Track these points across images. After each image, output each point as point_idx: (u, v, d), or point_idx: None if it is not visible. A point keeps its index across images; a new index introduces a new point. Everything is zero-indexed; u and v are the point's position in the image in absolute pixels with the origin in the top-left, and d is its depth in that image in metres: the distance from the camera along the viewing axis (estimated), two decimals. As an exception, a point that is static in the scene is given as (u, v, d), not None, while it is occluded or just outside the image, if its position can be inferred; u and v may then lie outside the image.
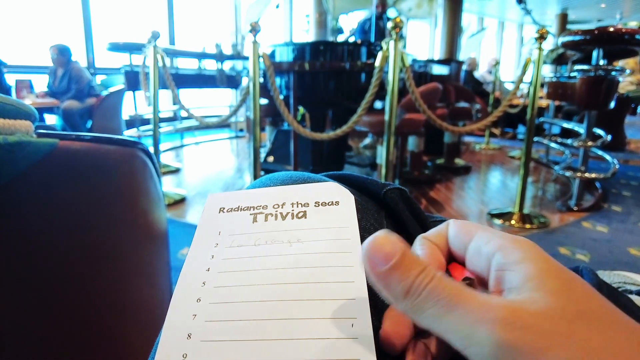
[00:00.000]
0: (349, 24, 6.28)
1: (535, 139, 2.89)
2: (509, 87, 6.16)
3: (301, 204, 0.30)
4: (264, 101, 3.19)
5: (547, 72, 6.69)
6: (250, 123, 3.36)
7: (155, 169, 0.71)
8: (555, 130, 4.29)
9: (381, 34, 4.24)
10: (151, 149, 1.10)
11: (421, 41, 9.96)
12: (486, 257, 0.21)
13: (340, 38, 5.97)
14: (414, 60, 3.38)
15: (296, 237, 0.27)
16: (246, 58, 3.65)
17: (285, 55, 2.97)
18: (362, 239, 0.28)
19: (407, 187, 2.87)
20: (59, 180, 0.54)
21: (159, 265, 0.79)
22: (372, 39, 4.25)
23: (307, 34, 6.50)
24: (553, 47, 4.47)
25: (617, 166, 2.64)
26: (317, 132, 2.30)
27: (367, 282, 0.24)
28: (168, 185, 3.05)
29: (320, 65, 2.70)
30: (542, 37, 2.06)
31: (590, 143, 2.49)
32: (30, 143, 0.49)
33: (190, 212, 2.49)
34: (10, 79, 3.90)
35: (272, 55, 2.99)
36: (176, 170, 3.55)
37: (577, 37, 2.21)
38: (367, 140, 4.59)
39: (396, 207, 0.32)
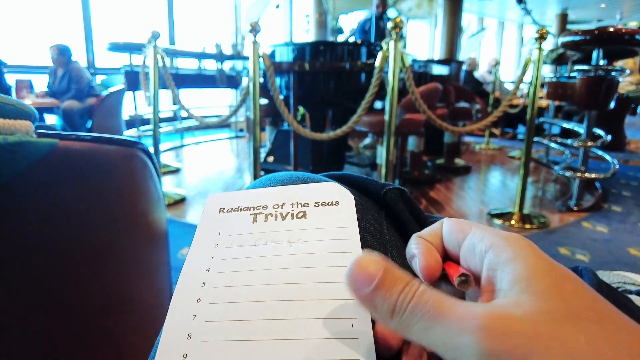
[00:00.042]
0: (349, 24, 6.28)
1: (535, 139, 2.89)
2: (509, 87, 6.16)
3: (301, 204, 0.30)
4: (264, 101, 3.19)
5: (547, 72, 6.69)
6: (250, 123, 3.36)
7: (155, 169, 0.71)
8: (555, 130, 4.29)
9: (381, 34, 4.24)
10: (151, 149, 1.10)
11: (421, 41, 9.96)
12: (479, 255, 0.21)
13: (340, 38, 5.97)
14: (414, 61, 3.38)
15: (296, 237, 0.27)
16: (246, 58, 3.64)
17: (285, 55, 2.97)
18: (362, 239, 0.28)
19: (407, 187, 2.88)
20: (59, 180, 0.54)
21: (159, 265, 0.79)
22: (372, 39, 4.25)
23: (307, 34, 6.50)
24: (553, 47, 4.47)
25: (617, 166, 2.64)
26: (317, 132, 2.30)
27: None
28: (168, 185, 3.05)
29: (320, 66, 2.70)
30: (542, 37, 2.06)
31: (590, 143, 2.49)
32: (30, 143, 0.49)
33: (190, 212, 2.49)
34: (10, 79, 3.90)
35: (272, 55, 2.99)
36: (176, 170, 3.55)
37: (577, 37, 2.21)
38: (367, 140, 4.60)
39: (396, 207, 0.32)
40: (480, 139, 5.40)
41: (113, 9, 5.73)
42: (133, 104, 4.02)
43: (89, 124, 3.95)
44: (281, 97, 2.25)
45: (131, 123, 4.37)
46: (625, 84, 4.66)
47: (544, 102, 4.64)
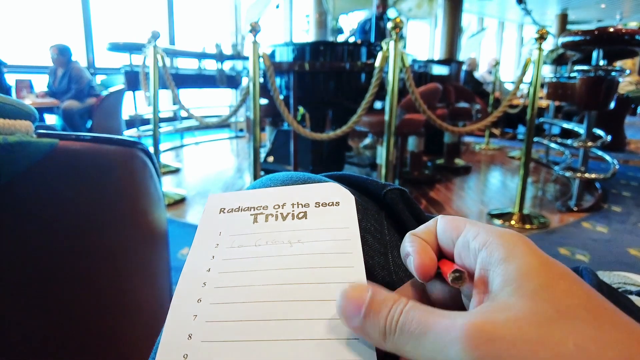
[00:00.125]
0: (349, 24, 6.28)
1: (535, 139, 2.89)
2: (509, 87, 6.16)
3: (301, 204, 0.30)
4: (264, 101, 3.19)
5: (547, 72, 6.69)
6: (250, 123, 3.36)
7: (155, 169, 0.71)
8: (555, 130, 4.29)
9: (381, 34, 4.24)
10: (151, 149, 1.10)
11: (421, 41, 9.96)
12: (473, 252, 0.21)
13: (341, 38, 5.97)
14: (414, 61, 3.38)
15: (297, 237, 0.27)
16: (246, 58, 3.64)
17: (285, 56, 2.97)
18: (363, 239, 0.28)
19: (407, 187, 2.88)
20: (59, 180, 0.54)
21: (159, 265, 0.79)
22: (373, 39, 4.26)
23: (307, 34, 6.50)
24: (553, 47, 4.47)
25: (617, 166, 2.64)
26: (317, 132, 2.30)
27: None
28: (168, 185, 3.05)
29: (320, 66, 2.70)
30: (542, 38, 2.06)
31: (590, 143, 2.49)
32: (30, 143, 0.49)
33: (190, 212, 2.49)
34: (10, 79, 3.90)
35: (272, 55, 2.99)
36: (176, 170, 3.55)
37: (577, 38, 2.21)
38: (367, 141, 4.59)
39: (396, 207, 0.32)
40: (480, 139, 5.40)
41: (113, 9, 5.73)
42: (133, 104, 4.02)
43: (89, 124, 3.95)
44: (281, 97, 2.25)
45: (131, 123, 4.37)
46: (625, 84, 4.66)
47: (543, 103, 4.64)
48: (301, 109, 2.81)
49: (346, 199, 0.30)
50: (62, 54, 3.85)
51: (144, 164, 0.66)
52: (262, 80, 2.30)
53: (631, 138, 5.34)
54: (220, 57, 4.89)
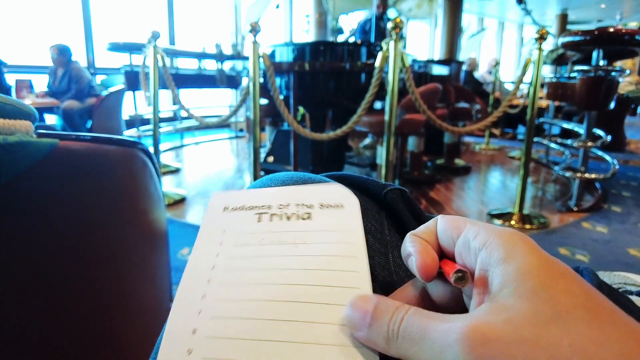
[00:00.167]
0: (349, 24, 6.28)
1: (535, 139, 2.89)
2: (509, 87, 6.16)
3: (306, 205, 0.30)
4: (264, 101, 3.19)
5: (547, 72, 6.69)
6: (250, 123, 3.36)
7: (155, 169, 0.71)
8: (555, 130, 4.29)
9: (382, 34, 4.24)
10: (151, 149, 1.10)
11: (421, 41, 9.96)
12: (474, 252, 0.21)
13: (341, 38, 5.97)
14: (414, 61, 3.38)
15: (301, 238, 0.27)
16: (246, 58, 3.64)
17: (285, 56, 2.97)
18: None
19: (407, 187, 2.87)
20: (59, 180, 0.54)
21: (159, 265, 0.79)
22: (373, 39, 4.26)
23: (307, 34, 6.50)
24: (553, 47, 4.47)
25: (617, 167, 2.64)
26: (317, 132, 2.30)
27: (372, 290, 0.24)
28: (168, 185, 3.05)
29: (320, 66, 2.70)
30: (542, 38, 2.06)
31: (590, 143, 2.49)
32: (30, 143, 0.49)
33: (190, 212, 2.49)
34: (10, 79, 3.90)
35: (272, 55, 2.99)
36: (176, 170, 3.55)
37: (577, 38, 2.21)
38: (367, 141, 4.59)
39: (397, 207, 0.32)
40: (480, 139, 5.40)
41: (113, 9, 5.73)
42: (133, 104, 4.02)
43: (89, 124, 3.95)
44: (281, 97, 2.25)
45: (131, 123, 4.37)
46: (625, 85, 4.66)
47: (543, 103, 4.64)
48: (301, 109, 2.81)
49: (351, 202, 0.30)
50: (62, 54, 3.85)
51: (144, 164, 0.66)
52: (262, 80, 2.30)
53: (631, 138, 5.34)
54: (220, 57, 4.89)
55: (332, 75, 2.75)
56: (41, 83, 4.15)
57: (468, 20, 9.20)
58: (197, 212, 2.50)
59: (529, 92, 2.22)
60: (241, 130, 5.91)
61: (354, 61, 2.86)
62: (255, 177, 2.32)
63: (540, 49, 2.08)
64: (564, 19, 9.68)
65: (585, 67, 2.29)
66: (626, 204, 2.74)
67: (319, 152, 3.02)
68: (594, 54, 2.29)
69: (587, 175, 2.54)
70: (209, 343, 0.22)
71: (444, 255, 0.24)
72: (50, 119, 4.06)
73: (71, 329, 0.60)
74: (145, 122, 4.20)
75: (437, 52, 7.31)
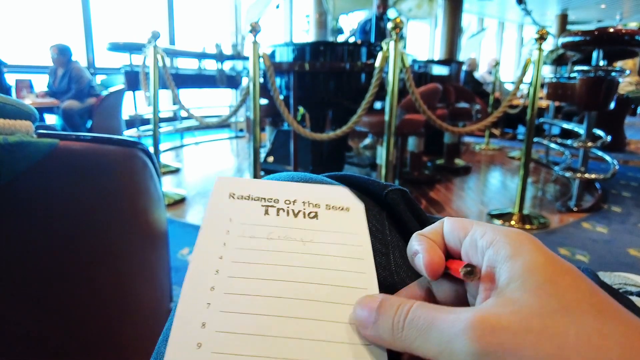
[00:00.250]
0: (349, 25, 6.28)
1: (535, 139, 2.89)
2: (509, 87, 6.16)
3: (312, 204, 0.30)
4: (264, 101, 3.19)
5: (547, 72, 6.69)
6: (250, 123, 3.36)
7: (155, 169, 0.71)
8: (555, 130, 4.29)
9: (382, 34, 4.24)
10: (151, 149, 1.10)
11: (421, 41, 9.96)
12: (481, 251, 0.21)
13: (341, 38, 5.97)
14: (414, 61, 3.38)
15: (309, 237, 0.27)
16: (246, 58, 3.64)
17: (285, 56, 2.97)
18: None
19: (407, 187, 2.87)
20: (59, 180, 0.54)
21: (159, 265, 0.79)
22: (373, 40, 4.25)
23: (307, 34, 6.50)
24: (553, 47, 4.47)
25: (617, 167, 2.64)
26: (317, 132, 2.30)
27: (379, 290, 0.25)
28: (168, 185, 3.05)
29: (320, 66, 2.70)
30: (542, 38, 2.06)
31: (590, 144, 2.49)
32: (30, 143, 0.49)
33: (190, 212, 2.49)
34: (10, 79, 3.90)
35: (272, 55, 2.99)
36: (176, 170, 3.55)
37: (577, 38, 2.21)
38: (367, 141, 4.59)
39: (397, 207, 0.32)
40: (480, 140, 5.40)
41: (113, 9, 5.73)
42: (133, 104, 4.02)
43: (89, 124, 3.95)
44: (281, 97, 2.25)
45: (131, 123, 4.37)
46: (625, 85, 4.66)
47: (543, 103, 4.64)
48: (301, 109, 2.81)
49: (357, 206, 0.30)
50: (62, 53, 3.85)
51: (144, 164, 0.66)
52: (262, 80, 2.30)
53: (631, 138, 5.34)
54: (220, 57, 4.89)
55: (332, 76, 2.75)
56: (41, 83, 4.15)
57: (468, 20, 9.20)
58: (197, 212, 2.50)
59: (529, 92, 2.22)
60: (241, 130, 5.91)
61: (354, 61, 2.86)
62: (255, 177, 2.32)
63: (540, 49, 2.08)
64: (564, 19, 9.68)
65: (585, 68, 2.29)
66: (626, 204, 2.74)
67: (319, 152, 3.02)
68: (594, 54, 2.29)
69: (587, 175, 2.54)
70: (219, 337, 0.22)
71: (450, 256, 0.24)
72: (50, 119, 4.06)
73: (71, 328, 0.60)
74: (145, 122, 4.20)
75: (437, 52, 7.32)
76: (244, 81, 4.15)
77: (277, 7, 6.97)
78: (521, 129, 5.98)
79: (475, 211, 2.60)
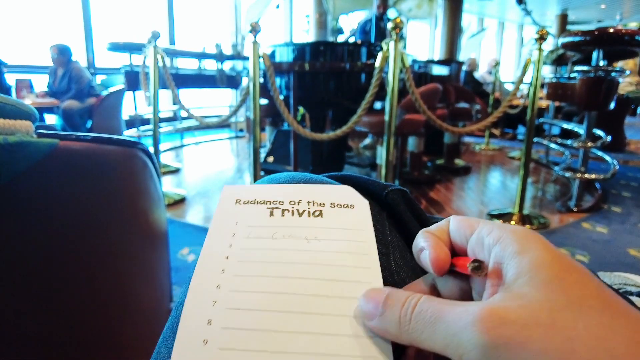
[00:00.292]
0: (349, 25, 6.28)
1: (535, 139, 2.89)
2: (509, 87, 6.16)
3: (317, 203, 0.31)
4: (264, 101, 3.19)
5: (547, 72, 6.69)
6: (250, 123, 3.36)
7: (155, 169, 0.71)
8: (555, 131, 4.29)
9: (382, 34, 4.24)
10: (151, 149, 1.10)
11: (421, 42, 9.96)
12: (487, 248, 0.21)
13: (341, 38, 5.97)
14: (414, 61, 3.38)
15: (313, 234, 0.28)
16: (246, 58, 3.64)
17: (285, 56, 2.97)
18: None
19: (407, 187, 2.87)
20: (59, 180, 0.54)
21: (159, 265, 0.79)
22: (373, 40, 4.25)
23: (307, 34, 6.50)
24: (553, 47, 4.47)
25: (617, 167, 2.64)
26: (317, 132, 2.30)
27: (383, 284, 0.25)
28: (168, 185, 3.05)
29: (320, 66, 2.70)
30: (542, 38, 2.06)
31: (590, 144, 2.49)
32: (30, 143, 0.49)
33: (190, 212, 2.49)
34: (10, 79, 3.90)
35: (272, 55, 2.99)
36: (176, 170, 3.55)
37: (577, 38, 2.21)
38: (367, 141, 4.59)
39: (398, 208, 0.32)
40: (480, 140, 5.40)
41: (113, 9, 5.73)
42: (133, 104, 4.02)
43: (89, 124, 3.95)
44: (281, 97, 2.25)
45: (131, 123, 4.37)
46: (625, 85, 4.66)
47: (543, 103, 4.64)
48: (301, 109, 2.81)
49: (361, 203, 0.31)
50: (62, 53, 3.85)
51: (144, 164, 0.66)
52: (262, 80, 2.30)
53: (631, 138, 5.34)
54: (220, 57, 4.89)
55: (332, 76, 2.75)
56: (41, 83, 4.15)
57: (468, 20, 9.20)
58: (197, 212, 2.50)
59: (529, 92, 2.22)
60: (241, 130, 5.91)
61: (354, 61, 2.86)
62: (255, 177, 2.32)
63: (540, 49, 2.08)
64: (564, 19, 9.68)
65: (585, 68, 2.29)
66: (626, 204, 2.74)
67: (319, 152, 3.02)
68: (594, 55, 2.29)
69: (587, 175, 2.54)
70: (225, 334, 0.22)
71: (456, 253, 0.24)
72: (50, 119, 4.06)
73: (71, 328, 0.60)
74: (145, 122, 4.20)
75: (437, 52, 7.32)
76: (244, 81, 4.15)
77: (277, 7, 6.96)
78: (521, 129, 5.98)
79: (475, 211, 2.60)
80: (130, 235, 0.68)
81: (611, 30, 2.14)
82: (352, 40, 5.22)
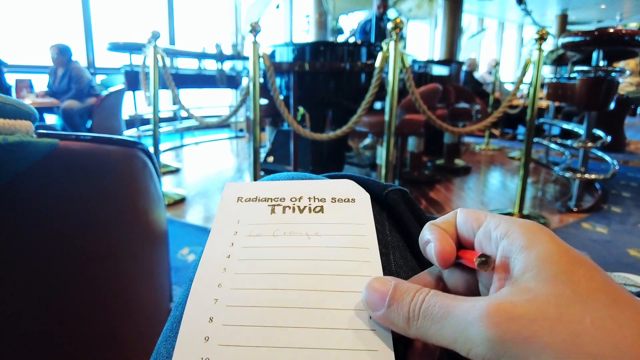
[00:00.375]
0: (349, 25, 6.28)
1: (535, 139, 2.89)
2: (509, 87, 6.16)
3: (318, 198, 0.31)
4: (264, 101, 3.19)
5: (547, 73, 6.69)
6: (250, 123, 3.36)
7: (155, 169, 0.71)
8: (555, 131, 4.29)
9: (382, 34, 4.24)
10: (151, 149, 1.10)
11: (421, 42, 9.96)
12: (495, 242, 0.21)
13: (341, 38, 5.97)
14: (414, 61, 3.38)
15: (314, 230, 0.28)
16: (246, 58, 3.64)
17: (285, 56, 2.97)
18: None
19: (407, 187, 2.87)
20: (59, 180, 0.54)
21: (159, 265, 0.79)
22: (373, 40, 4.25)
23: (307, 35, 6.50)
24: (553, 48, 4.47)
25: (617, 167, 2.64)
26: (317, 132, 2.30)
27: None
28: (168, 185, 3.05)
29: (320, 66, 2.70)
30: (542, 38, 2.06)
31: (590, 144, 2.49)
32: (30, 143, 0.49)
33: (190, 212, 2.49)
34: (10, 79, 3.89)
35: (272, 55, 2.99)
36: (176, 170, 3.55)
37: (577, 38, 2.21)
38: (367, 141, 4.59)
39: (397, 208, 0.32)
40: (480, 140, 5.40)
41: (113, 9, 5.73)
42: (133, 104, 4.02)
43: (89, 124, 3.95)
44: (281, 97, 2.25)
45: (131, 123, 4.37)
46: (625, 85, 4.66)
47: (543, 103, 4.64)
48: (301, 109, 2.81)
49: (362, 196, 0.31)
50: (62, 53, 3.85)
51: (144, 164, 0.66)
52: (262, 80, 2.30)
53: (631, 139, 5.34)
54: (220, 57, 4.88)
55: (332, 76, 2.75)
56: (41, 83, 4.15)
57: (468, 20, 9.20)
58: (197, 212, 2.50)
59: (529, 92, 2.22)
60: (241, 130, 5.91)
61: (354, 61, 2.86)
62: (255, 177, 2.32)
63: (540, 50, 2.08)
64: (564, 20, 9.68)
65: (585, 68, 2.29)
66: (626, 205, 2.74)
67: (319, 152, 3.02)
68: (594, 55, 2.29)
69: (587, 175, 2.54)
70: (225, 331, 0.22)
71: (462, 246, 0.24)
72: (50, 119, 4.06)
73: (71, 328, 0.60)
74: (145, 122, 4.20)
75: (437, 52, 7.32)
76: (244, 81, 4.15)
77: (277, 7, 6.96)
78: (521, 129, 5.98)
79: (475, 211, 2.60)
80: (130, 235, 0.68)
81: (611, 30, 2.14)
82: (352, 40, 5.21)
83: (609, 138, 2.67)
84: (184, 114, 3.44)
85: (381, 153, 2.29)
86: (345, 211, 0.30)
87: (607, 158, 2.79)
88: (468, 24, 9.05)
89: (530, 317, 0.16)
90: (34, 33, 5.13)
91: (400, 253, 0.30)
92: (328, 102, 2.91)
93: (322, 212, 0.30)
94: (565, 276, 0.17)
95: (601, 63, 2.29)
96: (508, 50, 12.01)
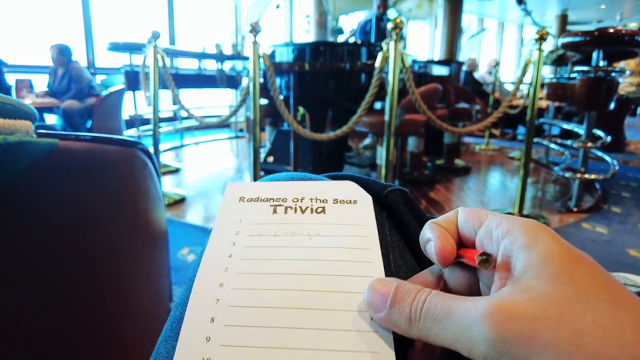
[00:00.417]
0: (349, 25, 6.28)
1: (535, 139, 2.89)
2: (509, 88, 6.16)
3: (320, 199, 0.31)
4: (264, 101, 3.19)
5: (547, 73, 6.69)
6: (250, 123, 3.36)
7: (155, 169, 0.71)
8: (555, 131, 4.29)
9: (382, 34, 4.24)
10: (151, 149, 1.10)
11: (421, 42, 9.96)
12: (496, 240, 0.21)
13: (341, 39, 5.97)
14: (414, 61, 3.38)
15: (316, 230, 0.28)
16: (246, 58, 3.64)
17: (285, 56, 2.97)
18: None
19: (406, 187, 2.87)
20: (59, 180, 0.54)
21: (159, 265, 0.79)
22: (373, 40, 4.25)
23: (307, 35, 6.50)
24: (553, 48, 4.47)
25: (617, 167, 2.64)
26: (317, 132, 2.30)
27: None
28: (168, 185, 3.05)
29: (320, 66, 2.70)
30: (542, 38, 2.06)
31: (590, 144, 2.49)
32: (30, 143, 0.49)
33: (190, 212, 2.49)
34: (10, 79, 3.90)
35: (272, 55, 2.99)
36: (176, 170, 3.55)
37: (577, 39, 2.21)
38: (367, 141, 4.59)
39: (397, 208, 0.32)
40: (480, 140, 5.40)
41: (113, 9, 5.73)
42: (133, 104, 4.02)
43: (89, 124, 3.95)
44: (281, 97, 2.25)
45: (131, 123, 4.37)
46: (625, 85, 4.66)
47: (543, 103, 4.64)
48: (301, 109, 2.81)
49: (364, 198, 0.31)
50: (62, 53, 3.85)
51: (144, 164, 0.66)
52: (262, 80, 2.30)
53: (631, 139, 5.34)
54: (220, 57, 4.89)
55: (332, 76, 2.75)
56: (41, 83, 4.15)
57: (468, 20, 9.20)
58: (197, 212, 2.50)
59: (528, 92, 2.22)
60: (241, 130, 5.91)
61: (354, 61, 2.86)
62: (255, 177, 2.32)
63: (540, 50, 2.08)
64: (564, 20, 9.68)
65: (585, 68, 2.30)
66: (626, 205, 2.74)
67: (319, 152, 3.02)
68: (594, 55, 2.29)
69: (587, 175, 2.54)
70: (227, 331, 0.22)
71: (463, 245, 0.24)
72: (50, 119, 4.06)
73: (71, 328, 0.60)
74: (145, 122, 4.20)
75: (437, 52, 7.32)
76: (244, 81, 4.15)
77: (277, 7, 6.96)
78: (521, 129, 5.98)
79: (475, 211, 2.60)
80: (130, 235, 0.68)
81: (611, 30, 2.14)
82: (352, 40, 5.22)
83: (608, 138, 2.67)
84: (184, 114, 3.44)
85: (381, 153, 2.29)
86: (347, 212, 0.30)
87: (607, 158, 2.79)
88: (468, 24, 9.05)
89: (531, 316, 0.16)
90: (34, 33, 5.13)
91: (400, 253, 0.30)
92: (328, 102, 2.91)
93: (324, 213, 0.30)
94: (566, 275, 0.17)
95: (601, 63, 2.29)
96: (508, 51, 12.02)
